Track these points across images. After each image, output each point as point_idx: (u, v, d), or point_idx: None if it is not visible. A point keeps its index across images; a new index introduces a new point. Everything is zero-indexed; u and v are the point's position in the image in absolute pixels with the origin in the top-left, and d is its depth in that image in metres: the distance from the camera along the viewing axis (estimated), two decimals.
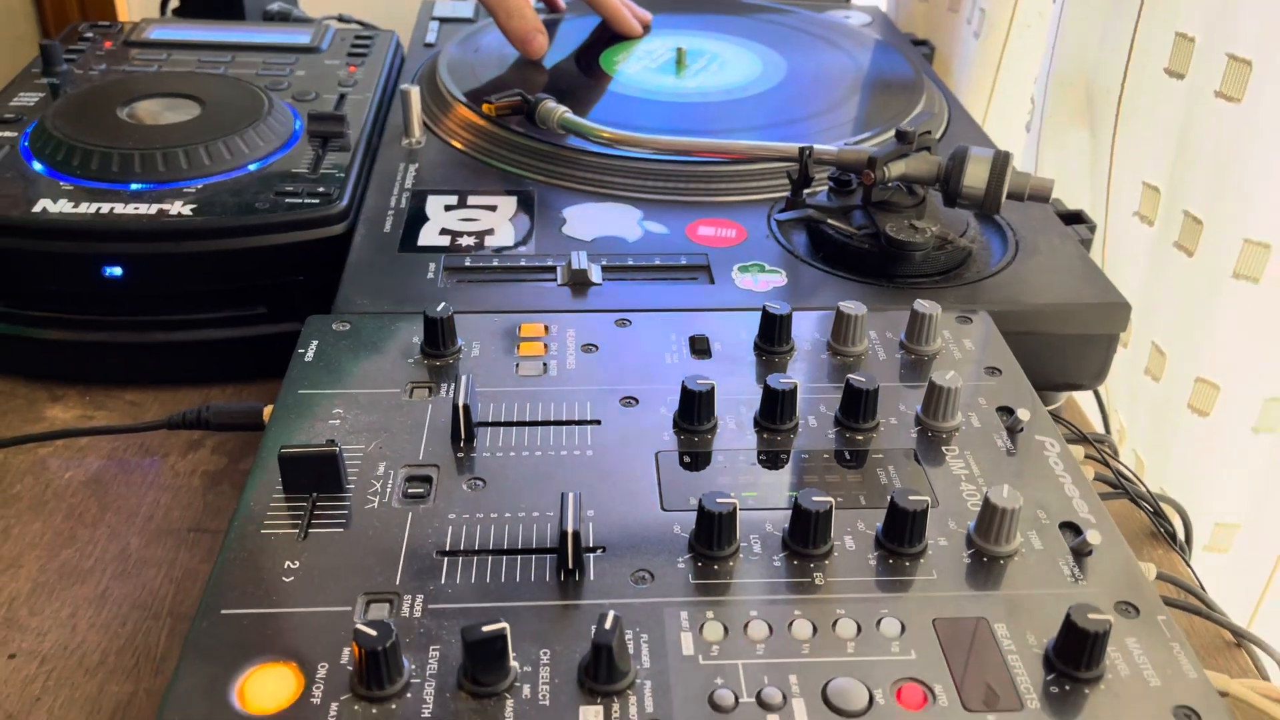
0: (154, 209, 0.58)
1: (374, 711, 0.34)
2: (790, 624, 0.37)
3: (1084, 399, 0.68)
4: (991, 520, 0.40)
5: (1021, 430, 0.46)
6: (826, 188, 0.63)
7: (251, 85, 0.71)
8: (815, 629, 0.37)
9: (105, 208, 0.58)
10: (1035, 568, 0.40)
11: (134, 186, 0.60)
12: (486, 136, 0.70)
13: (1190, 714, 0.34)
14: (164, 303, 0.60)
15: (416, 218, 0.62)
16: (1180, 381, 0.63)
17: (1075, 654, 0.35)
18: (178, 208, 0.59)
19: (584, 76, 0.79)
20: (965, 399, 0.48)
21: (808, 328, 0.53)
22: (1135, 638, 0.37)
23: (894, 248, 0.57)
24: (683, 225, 0.62)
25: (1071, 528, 0.42)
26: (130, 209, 0.58)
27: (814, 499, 0.39)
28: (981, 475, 0.44)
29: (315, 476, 0.42)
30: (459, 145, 0.70)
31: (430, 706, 0.34)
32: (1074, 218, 0.65)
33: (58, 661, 0.45)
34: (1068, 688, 0.35)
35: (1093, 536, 0.40)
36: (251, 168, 0.63)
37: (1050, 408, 0.61)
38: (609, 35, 0.86)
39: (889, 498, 0.40)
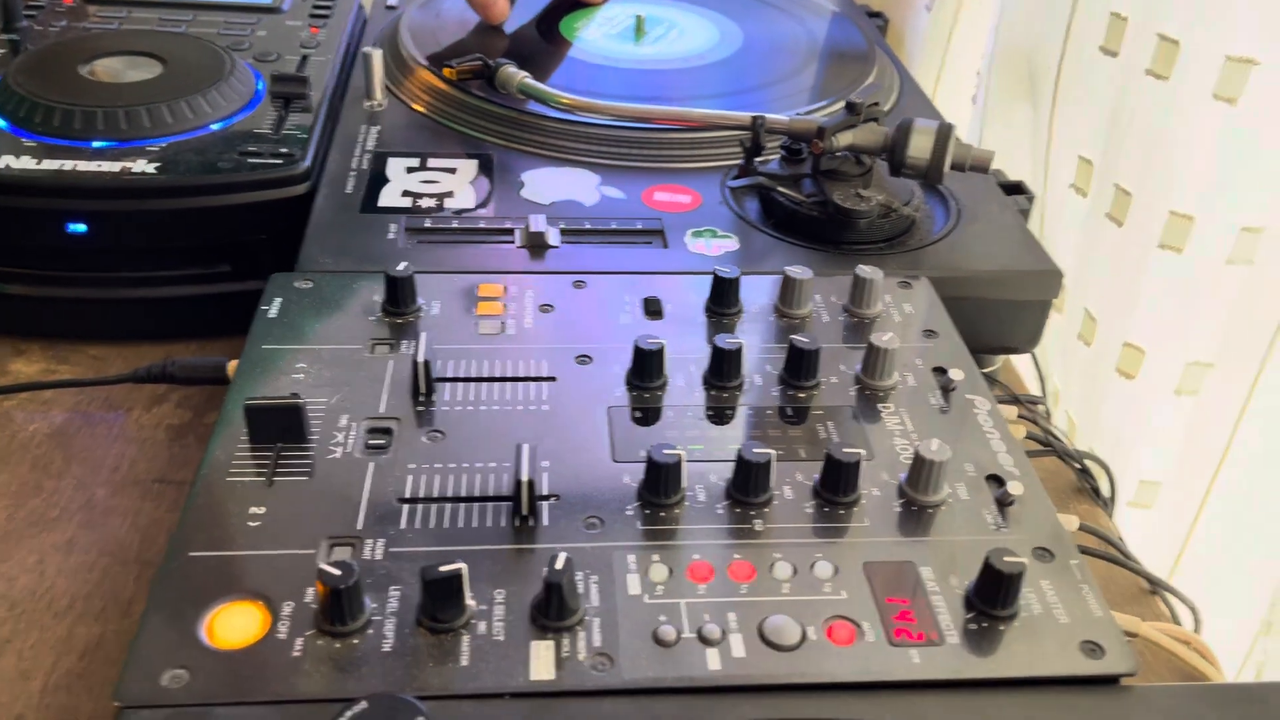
0: (117, 167, 0.59)
1: (337, 646, 0.36)
2: (729, 566, 0.40)
3: (1022, 363, 0.71)
4: (921, 472, 0.42)
5: (954, 390, 0.49)
6: (778, 156, 0.65)
7: (213, 45, 0.72)
8: (754, 571, 0.39)
9: (68, 165, 0.59)
10: (961, 516, 0.43)
11: (97, 144, 0.61)
12: (447, 100, 0.71)
13: (1095, 647, 0.37)
14: (128, 259, 0.61)
15: (378, 179, 0.63)
16: (1109, 346, 0.66)
17: (992, 594, 0.38)
18: (141, 166, 0.59)
19: (544, 42, 0.80)
20: (903, 360, 0.51)
21: (757, 291, 0.55)
22: (1049, 580, 0.40)
23: (841, 215, 0.59)
24: (639, 190, 0.64)
25: (996, 480, 0.44)
26: (93, 166, 0.59)
27: (755, 451, 0.42)
28: (915, 431, 0.47)
29: (280, 427, 0.44)
30: (420, 108, 0.71)
31: (391, 641, 0.36)
32: (1015, 188, 0.68)
33: (27, 605, 0.47)
34: (985, 625, 0.38)
35: (1014, 488, 0.43)
36: (214, 127, 0.64)
37: (986, 370, 0.64)
38: (569, 1, 0.87)
39: (825, 451, 0.43)
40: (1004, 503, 0.43)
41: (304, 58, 0.74)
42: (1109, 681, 0.37)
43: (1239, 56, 0.56)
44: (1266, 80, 0.56)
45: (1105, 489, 0.58)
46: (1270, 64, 0.56)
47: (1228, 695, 0.36)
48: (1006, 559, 0.38)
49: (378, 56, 0.71)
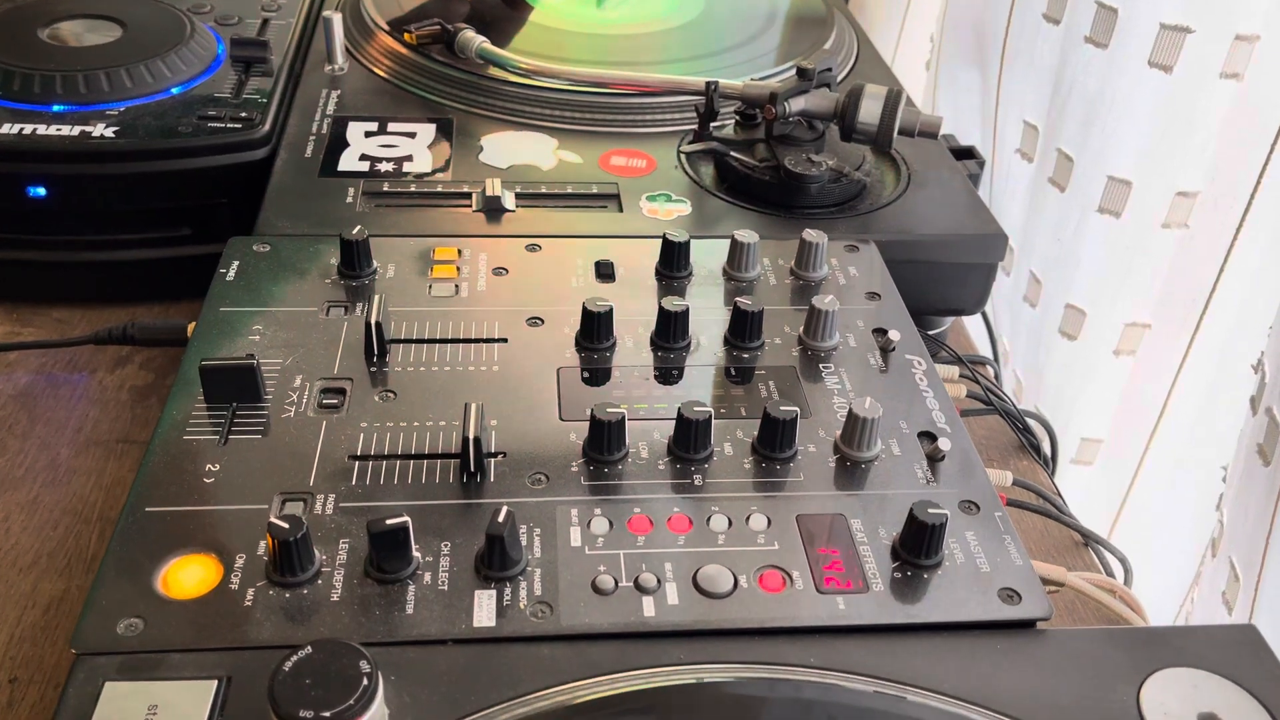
0: (76, 130, 0.60)
1: (287, 596, 0.37)
2: (669, 519, 0.41)
3: (974, 325, 0.73)
4: (854, 429, 0.44)
5: (893, 350, 0.51)
6: (733, 121, 0.66)
7: (173, 8, 0.72)
8: (691, 523, 0.41)
9: (28, 128, 0.59)
10: (893, 471, 0.44)
11: (56, 108, 0.61)
12: (408, 64, 0.72)
13: (1012, 594, 0.39)
14: (90, 223, 0.62)
15: (337, 143, 0.64)
16: (1053, 307, 0.68)
17: (916, 544, 0.40)
18: (100, 130, 0.60)
19: (505, 7, 0.80)
20: (845, 321, 0.52)
21: (708, 254, 0.57)
22: (973, 531, 0.42)
23: (792, 180, 0.61)
24: (596, 155, 0.65)
25: (929, 436, 0.46)
26: (53, 130, 0.60)
27: (695, 409, 0.43)
28: (853, 390, 0.48)
29: (235, 387, 0.45)
30: (381, 73, 0.72)
31: (339, 591, 0.38)
32: (966, 153, 0.69)
33: None
34: (909, 573, 0.40)
35: (943, 443, 0.45)
36: (174, 91, 0.65)
37: (935, 331, 0.65)
38: None
39: (763, 409, 0.44)
40: (934, 458, 0.45)
41: (265, 21, 0.75)
42: (1026, 625, 0.39)
43: (1173, 24, 0.57)
44: (1200, 48, 0.57)
45: (1046, 447, 0.60)
46: (1203, 32, 0.57)
47: (1134, 638, 0.38)
48: (930, 510, 0.40)
49: (338, 20, 0.72)
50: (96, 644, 0.35)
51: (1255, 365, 0.56)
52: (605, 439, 0.43)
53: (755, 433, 0.45)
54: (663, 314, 0.50)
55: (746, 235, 0.55)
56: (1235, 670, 0.37)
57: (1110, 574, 0.54)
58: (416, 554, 0.39)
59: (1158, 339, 0.65)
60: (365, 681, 0.31)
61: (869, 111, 0.61)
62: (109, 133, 0.60)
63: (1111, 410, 0.68)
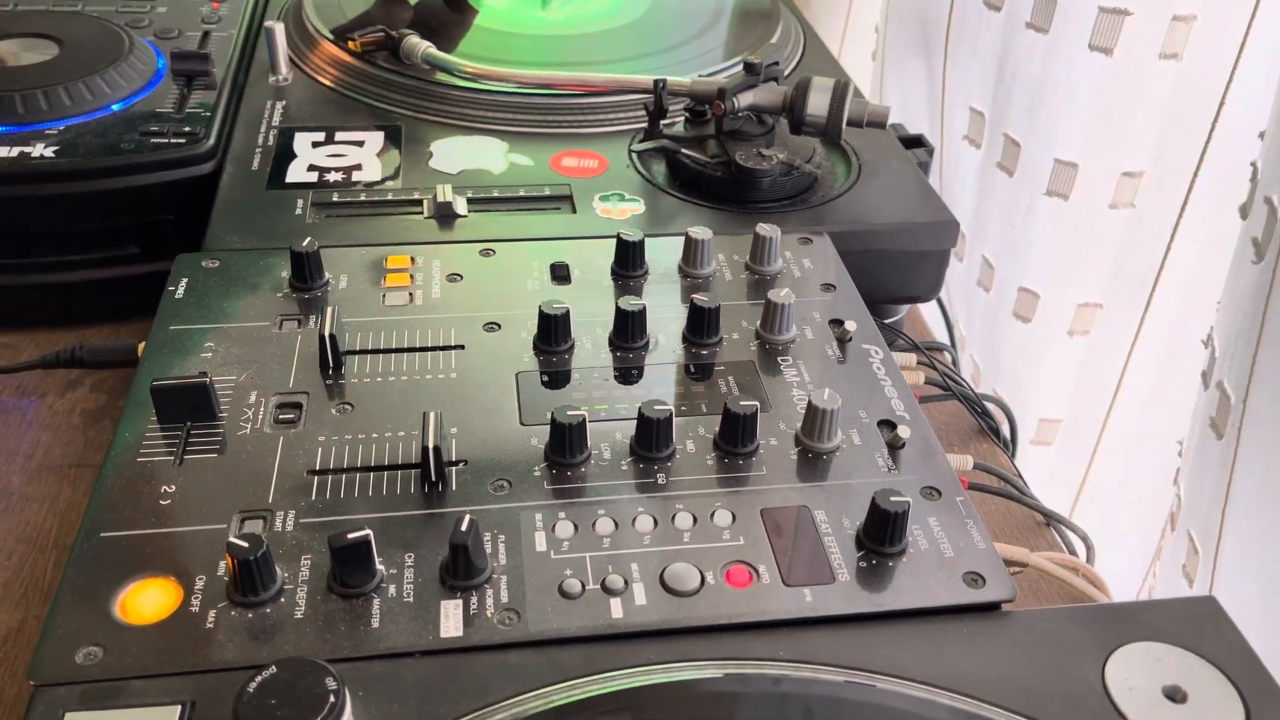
0: (15, 151, 0.59)
1: (250, 616, 0.37)
2: (634, 519, 0.41)
3: (931, 311, 0.73)
4: (814, 420, 0.44)
5: (850, 340, 0.51)
6: (683, 118, 0.66)
7: (111, 24, 0.71)
8: (656, 522, 0.41)
9: None
10: (854, 461, 0.44)
11: None
12: (354, 73, 0.71)
13: (976, 578, 0.40)
14: (34, 244, 0.60)
15: (284, 155, 0.63)
16: (1006, 291, 0.69)
17: (880, 532, 0.40)
18: (40, 150, 0.59)
19: (450, 11, 0.80)
20: (801, 314, 0.52)
21: (663, 253, 0.57)
22: (936, 517, 0.42)
23: (743, 175, 0.61)
24: (547, 157, 0.65)
25: (888, 425, 0.46)
26: None
27: (655, 408, 0.43)
28: (812, 382, 0.49)
29: (188, 406, 0.44)
30: (327, 82, 0.71)
31: (302, 608, 0.37)
32: (914, 142, 0.69)
33: None
34: (875, 562, 0.40)
35: (903, 431, 0.45)
36: (114, 108, 0.63)
37: (891, 320, 0.66)
38: None
39: (723, 405, 0.44)
40: (894, 446, 0.45)
41: (206, 34, 0.74)
42: (991, 608, 0.39)
43: (1112, 8, 0.58)
44: (1139, 30, 0.58)
45: (1005, 429, 0.61)
46: (1141, 14, 0.58)
47: (1097, 615, 0.39)
48: (892, 498, 0.40)
49: (280, 30, 0.71)
50: (55, 674, 0.34)
51: (1205, 340, 0.57)
52: (567, 442, 0.43)
53: (716, 429, 0.45)
54: (620, 314, 0.50)
55: (700, 232, 0.55)
56: (1197, 642, 0.37)
57: (1073, 552, 0.54)
58: (380, 567, 0.38)
59: (1110, 318, 0.66)
60: (332, 699, 0.31)
61: (817, 104, 0.61)
62: (49, 152, 0.59)
63: (1068, 390, 0.69)
